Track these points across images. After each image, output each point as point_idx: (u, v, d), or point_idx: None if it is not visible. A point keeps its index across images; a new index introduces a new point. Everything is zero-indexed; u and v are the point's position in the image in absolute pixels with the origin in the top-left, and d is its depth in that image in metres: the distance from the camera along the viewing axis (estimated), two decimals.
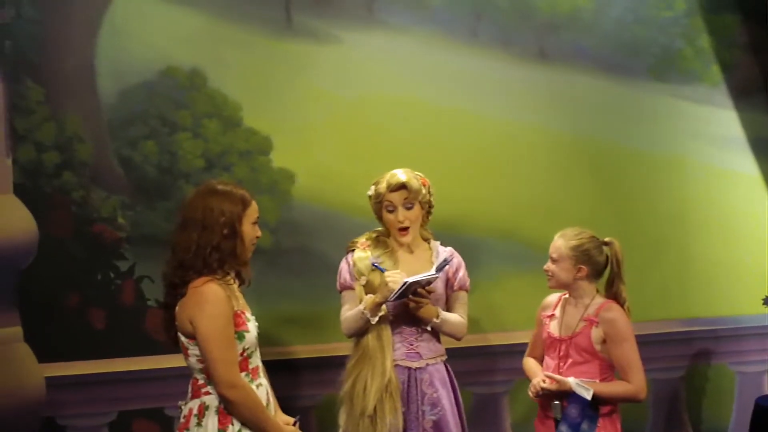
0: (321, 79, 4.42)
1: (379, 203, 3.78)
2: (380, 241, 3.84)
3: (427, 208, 3.85)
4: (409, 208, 3.76)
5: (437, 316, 3.74)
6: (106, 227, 4.19)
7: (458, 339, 3.84)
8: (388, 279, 3.64)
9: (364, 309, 3.68)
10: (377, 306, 3.67)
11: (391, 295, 3.60)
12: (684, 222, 4.84)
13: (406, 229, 3.78)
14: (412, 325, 3.76)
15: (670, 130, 4.86)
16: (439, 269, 3.67)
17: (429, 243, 3.90)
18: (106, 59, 4.17)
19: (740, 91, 4.96)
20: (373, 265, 3.75)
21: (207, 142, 4.29)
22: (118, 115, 4.20)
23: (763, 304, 4.64)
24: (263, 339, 3.46)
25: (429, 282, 3.65)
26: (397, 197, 3.75)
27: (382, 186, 3.76)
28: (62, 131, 4.14)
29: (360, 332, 3.73)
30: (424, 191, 3.79)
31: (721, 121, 4.94)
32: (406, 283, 3.57)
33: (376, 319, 3.68)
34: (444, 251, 3.85)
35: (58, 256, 4.13)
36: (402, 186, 3.74)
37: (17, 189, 4.10)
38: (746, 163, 4.96)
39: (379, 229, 3.90)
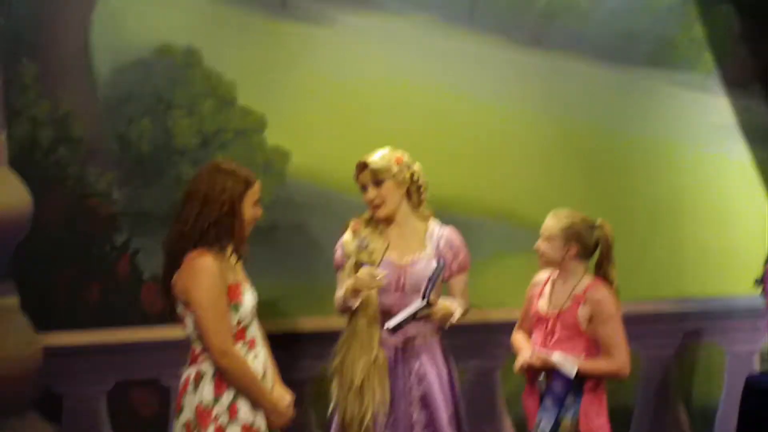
0: (316, 61, 4.49)
1: (357, 184, 3.84)
2: (372, 221, 3.89)
3: (408, 184, 3.85)
4: (378, 185, 3.79)
5: (451, 316, 3.79)
6: (101, 202, 4.25)
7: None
8: (360, 273, 3.70)
9: (344, 295, 3.75)
10: (354, 293, 3.72)
11: (391, 331, 3.65)
12: (677, 205, 4.90)
13: (377, 205, 3.81)
14: (400, 304, 3.78)
15: (664, 116, 4.92)
16: (426, 295, 3.65)
17: (427, 222, 3.92)
18: (102, 37, 4.22)
19: (734, 79, 5.02)
20: (360, 262, 3.79)
21: (202, 121, 4.35)
22: (113, 92, 4.26)
23: (755, 285, 4.67)
24: (261, 312, 3.52)
25: (418, 311, 3.66)
26: (364, 177, 3.80)
27: (354, 168, 3.83)
28: (57, 108, 4.20)
29: (348, 312, 3.80)
30: (394, 168, 3.79)
31: (714, 109, 5.01)
32: (388, 328, 3.63)
33: (356, 304, 3.74)
34: (440, 234, 3.86)
35: (54, 230, 4.20)
36: (364, 166, 3.80)
37: (13, 163, 4.14)
38: (738, 149, 5.03)
39: None
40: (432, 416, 3.79)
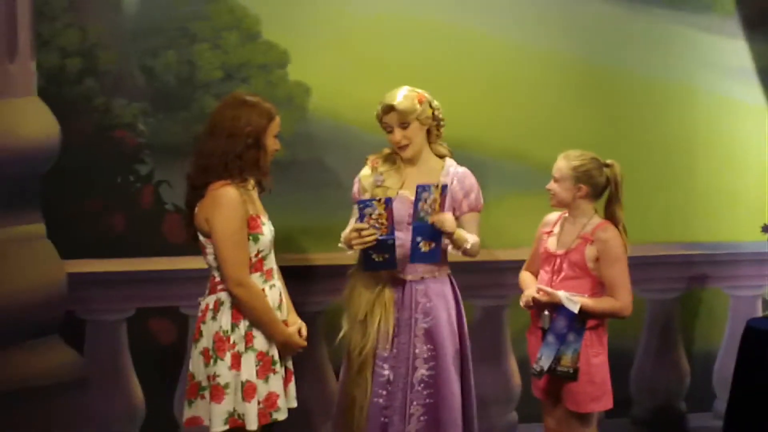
0: None
1: (380, 124, 3.87)
2: (389, 158, 3.94)
3: (430, 122, 3.90)
4: (404, 127, 3.83)
5: (466, 241, 3.83)
6: (126, 133, 4.32)
7: (474, 257, 3.94)
8: (352, 239, 3.72)
9: (343, 239, 3.82)
10: (347, 241, 3.79)
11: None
12: (690, 149, 4.88)
13: (404, 146, 3.86)
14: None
15: (680, 58, 4.86)
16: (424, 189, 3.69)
17: (444, 160, 3.97)
18: None
19: (752, 22, 4.96)
20: (358, 201, 3.79)
21: (226, 54, 4.37)
22: (139, 24, 4.30)
23: (762, 231, 4.71)
24: (277, 246, 3.62)
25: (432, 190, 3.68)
26: (390, 119, 3.82)
27: (378, 108, 3.84)
28: (85, 38, 4.24)
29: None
30: (418, 109, 3.82)
31: (731, 51, 4.92)
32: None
33: (349, 252, 3.83)
34: (454, 172, 3.91)
35: (80, 160, 4.26)
36: (391, 108, 3.81)
37: (41, 93, 4.21)
38: (754, 93, 4.96)
39: None
40: (436, 351, 3.86)
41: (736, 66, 4.95)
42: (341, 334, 3.93)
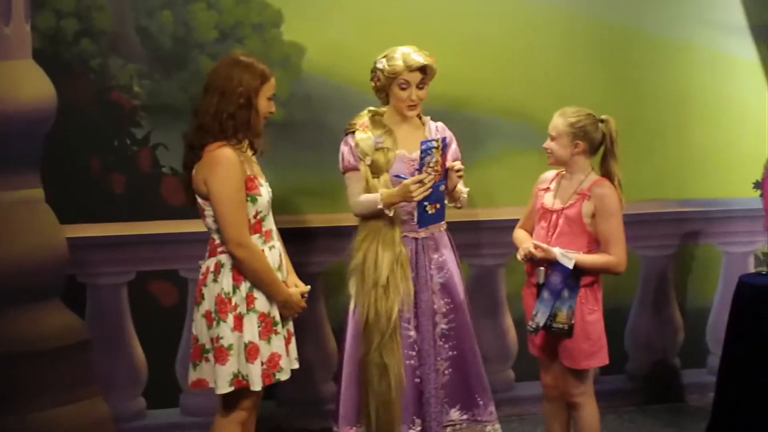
0: None
1: (391, 79, 3.85)
2: (377, 121, 3.94)
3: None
4: (421, 88, 3.86)
5: (462, 192, 3.91)
6: (122, 95, 4.29)
7: (462, 207, 4.01)
8: (413, 192, 3.68)
9: (382, 205, 3.77)
10: (394, 204, 3.77)
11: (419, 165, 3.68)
12: (685, 106, 4.89)
13: (415, 106, 3.89)
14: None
15: (678, 14, 4.84)
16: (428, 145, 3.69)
17: (421, 119, 4.00)
18: None
19: None
20: (395, 176, 3.82)
21: (221, 14, 4.35)
22: None
23: (754, 188, 4.73)
24: (275, 207, 3.62)
25: (435, 149, 3.67)
26: (413, 77, 3.83)
27: (399, 64, 3.82)
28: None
29: (372, 216, 3.85)
30: (435, 69, 3.87)
31: (726, 7, 4.93)
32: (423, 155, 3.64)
33: (392, 212, 3.80)
34: (435, 127, 3.95)
35: (77, 123, 4.24)
36: (422, 68, 3.83)
37: (36, 55, 4.17)
38: (747, 49, 4.95)
39: (372, 108, 3.99)
40: (453, 303, 3.93)
41: (731, 22, 4.95)
42: (353, 302, 3.91)
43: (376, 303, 3.82)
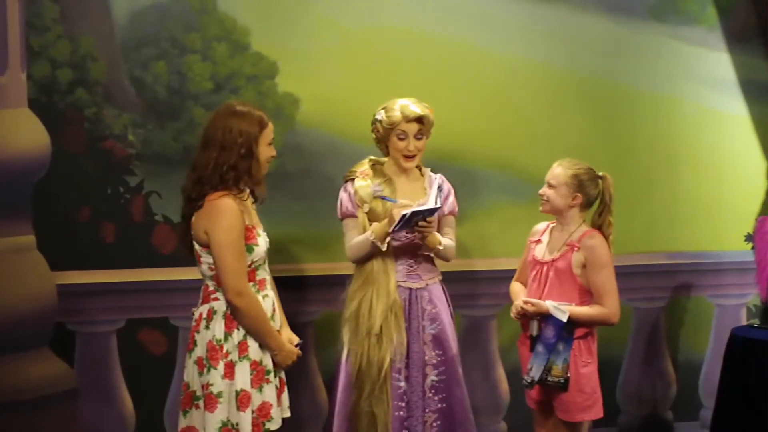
0: (329, 7, 4.50)
1: (389, 130, 3.90)
2: (378, 170, 3.99)
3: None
4: (419, 139, 3.91)
5: (440, 244, 3.91)
6: (116, 144, 4.30)
7: (448, 261, 4.02)
8: (399, 211, 3.75)
9: (373, 237, 3.81)
10: (386, 234, 3.80)
11: (394, 226, 3.73)
12: (674, 159, 4.93)
13: (413, 157, 3.93)
14: (411, 250, 3.92)
15: (666, 70, 4.91)
16: (439, 201, 3.80)
17: (421, 170, 4.04)
18: None
19: (735, 35, 5.01)
20: (381, 197, 3.89)
21: (216, 65, 4.38)
22: (130, 35, 4.29)
23: (745, 240, 4.75)
24: (269, 256, 3.62)
25: (432, 212, 3.78)
26: (411, 128, 3.89)
27: (397, 115, 3.88)
28: (76, 49, 4.23)
29: (367, 258, 3.87)
30: (432, 121, 3.93)
31: (715, 63, 5.00)
32: (405, 215, 3.69)
33: (385, 246, 3.82)
34: (435, 178, 3.97)
35: (71, 171, 4.25)
36: (419, 119, 3.88)
37: (32, 104, 4.19)
38: (736, 104, 5.01)
39: (373, 157, 4.04)
40: (444, 355, 3.92)
41: (719, 77, 5.02)
42: (346, 351, 3.91)
43: (368, 351, 3.83)
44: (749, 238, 4.72)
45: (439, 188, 3.85)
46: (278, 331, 3.57)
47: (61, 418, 4.25)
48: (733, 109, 5.04)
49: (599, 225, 3.87)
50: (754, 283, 4.67)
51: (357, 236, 3.89)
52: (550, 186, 3.86)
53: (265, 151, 3.53)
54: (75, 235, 4.27)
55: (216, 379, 3.41)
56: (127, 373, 4.35)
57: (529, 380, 3.78)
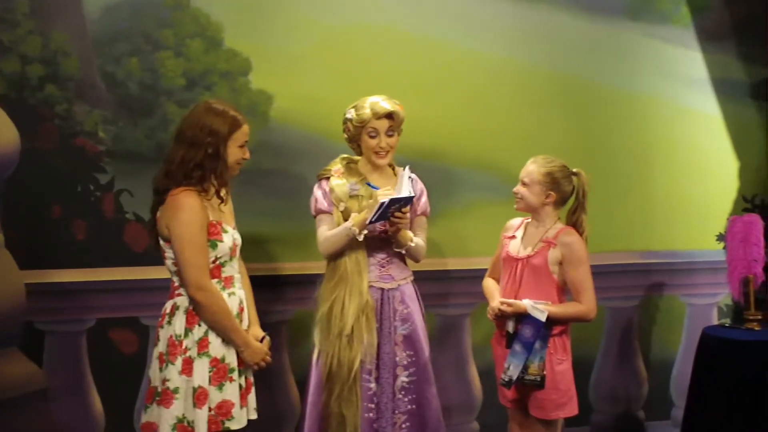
0: (305, 5, 4.48)
1: (360, 128, 3.89)
2: (352, 168, 3.97)
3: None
4: (390, 136, 3.90)
5: (411, 240, 3.90)
6: (87, 141, 4.26)
7: (418, 261, 4.01)
8: (383, 194, 3.75)
9: (352, 226, 3.79)
10: (365, 222, 3.78)
11: (372, 215, 3.71)
12: (648, 159, 4.95)
13: (385, 154, 3.91)
14: (383, 250, 3.91)
15: (641, 68, 4.93)
16: (412, 191, 3.78)
17: (393, 168, 4.03)
18: None
19: (709, 34, 5.05)
20: (368, 184, 3.88)
21: (189, 61, 4.34)
22: (102, 31, 4.25)
23: (717, 240, 4.78)
24: (241, 254, 3.61)
25: (408, 201, 3.76)
26: (381, 125, 3.87)
27: (367, 112, 3.87)
28: (47, 45, 4.18)
29: (340, 251, 3.85)
30: (403, 118, 3.91)
31: (689, 62, 5.02)
32: (383, 203, 3.68)
33: (362, 236, 3.80)
34: (404, 173, 3.93)
35: (41, 168, 4.20)
36: (389, 115, 3.87)
37: (1, 100, 4.14)
38: (710, 103, 5.05)
39: (346, 156, 4.02)
40: (416, 356, 3.91)
41: (693, 76, 5.04)
42: (317, 351, 3.90)
43: (339, 352, 3.81)
44: (721, 237, 4.73)
45: (410, 178, 3.82)
46: (246, 330, 3.54)
47: (31, 419, 4.19)
48: (707, 108, 5.08)
49: (573, 222, 3.87)
50: (726, 282, 4.70)
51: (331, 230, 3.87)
52: (524, 184, 3.86)
53: (235, 153, 3.50)
54: (45, 234, 4.22)
55: (173, 374, 3.39)
56: (98, 373, 4.30)
57: (507, 379, 3.77)
